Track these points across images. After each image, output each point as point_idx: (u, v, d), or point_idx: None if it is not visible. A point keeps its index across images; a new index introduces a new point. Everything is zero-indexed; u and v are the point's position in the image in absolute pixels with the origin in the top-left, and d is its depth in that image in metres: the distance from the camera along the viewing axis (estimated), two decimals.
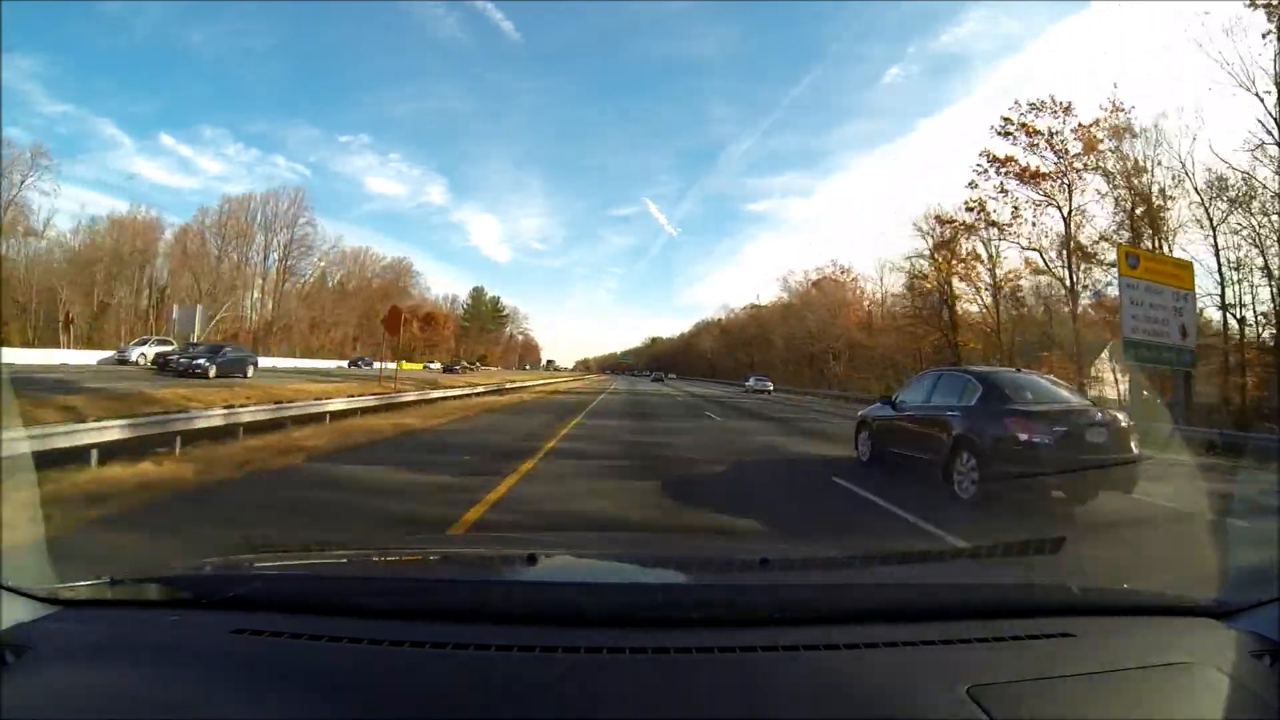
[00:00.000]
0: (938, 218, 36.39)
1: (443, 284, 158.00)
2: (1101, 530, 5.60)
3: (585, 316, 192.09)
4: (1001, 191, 31.20)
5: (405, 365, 58.51)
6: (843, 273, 62.02)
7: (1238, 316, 24.07)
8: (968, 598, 1.28)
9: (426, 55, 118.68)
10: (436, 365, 65.96)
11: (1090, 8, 74.85)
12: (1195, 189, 24.19)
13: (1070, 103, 29.08)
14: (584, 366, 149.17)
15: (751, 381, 45.46)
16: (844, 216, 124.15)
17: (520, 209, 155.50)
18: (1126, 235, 26.25)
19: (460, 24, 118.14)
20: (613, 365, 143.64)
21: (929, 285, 38.01)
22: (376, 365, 55.55)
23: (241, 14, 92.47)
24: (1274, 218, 21.95)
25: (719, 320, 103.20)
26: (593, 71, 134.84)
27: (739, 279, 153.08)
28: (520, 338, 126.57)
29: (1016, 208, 30.85)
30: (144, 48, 78.62)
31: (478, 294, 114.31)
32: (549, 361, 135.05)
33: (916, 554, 1.92)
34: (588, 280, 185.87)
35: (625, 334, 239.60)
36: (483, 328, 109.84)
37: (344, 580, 1.34)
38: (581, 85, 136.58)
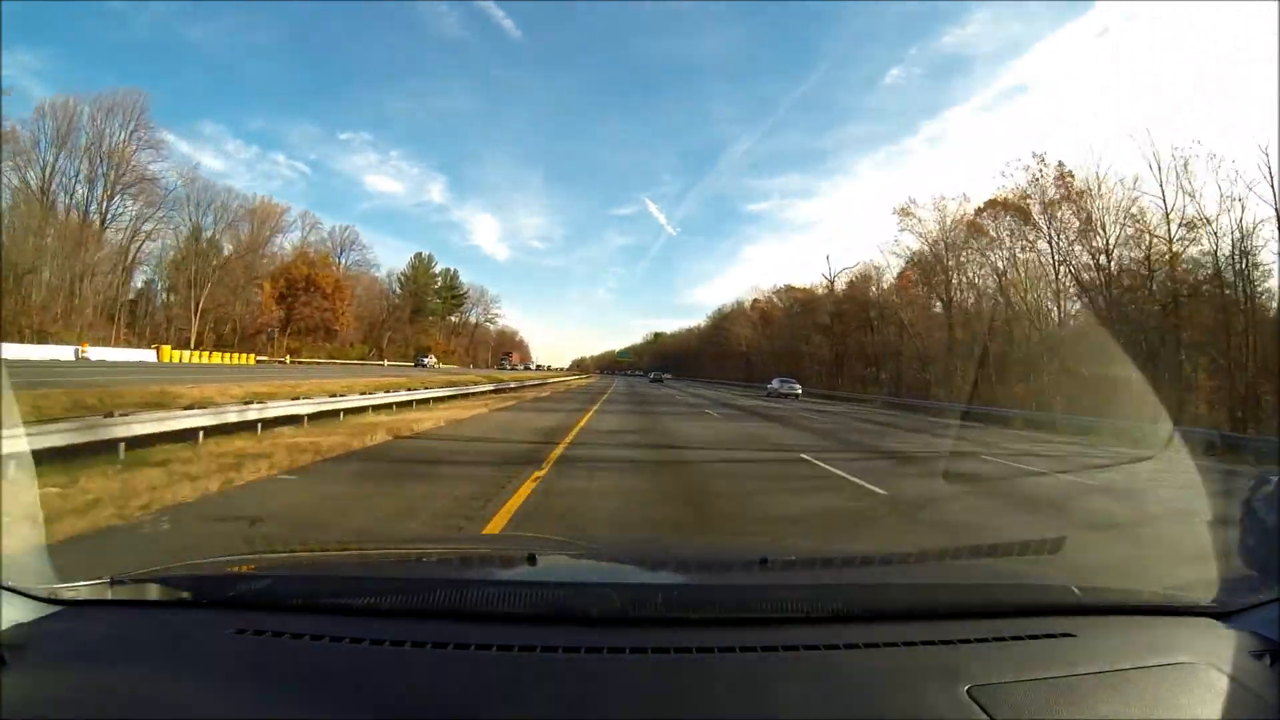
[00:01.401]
0: None
1: None
2: None
3: (585, 316, 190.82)
4: None
5: (226, 358, 42.25)
6: (1061, 180, 29.24)
7: None
8: (968, 598, 1.29)
9: (428, 53, 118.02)
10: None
11: (1095, 7, 73.99)
12: None
13: None
14: (579, 367, 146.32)
15: (775, 384, 38.07)
16: (845, 218, 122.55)
17: (520, 208, 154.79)
18: None
19: (461, 22, 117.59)
20: (610, 364, 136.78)
21: None
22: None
23: (242, 11, 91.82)
24: None
25: (758, 303, 74.72)
26: (594, 71, 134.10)
27: (740, 280, 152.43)
28: (489, 326, 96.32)
29: None
30: (144, 43, 78.10)
31: (420, 264, 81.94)
32: (505, 355, 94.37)
33: (916, 554, 1.92)
34: (587, 280, 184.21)
35: (625, 334, 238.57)
36: (419, 308, 79.49)
37: (345, 580, 1.34)
38: (582, 84, 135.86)
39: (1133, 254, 27.10)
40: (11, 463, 4.87)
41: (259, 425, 9.77)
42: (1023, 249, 32.56)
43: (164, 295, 50.45)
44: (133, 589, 1.18)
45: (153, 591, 1.19)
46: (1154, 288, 25.76)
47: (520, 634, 1.00)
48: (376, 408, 14.68)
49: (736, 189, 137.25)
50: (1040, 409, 25.51)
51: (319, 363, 52.54)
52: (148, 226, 46.11)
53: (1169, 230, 25.30)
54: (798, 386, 37.62)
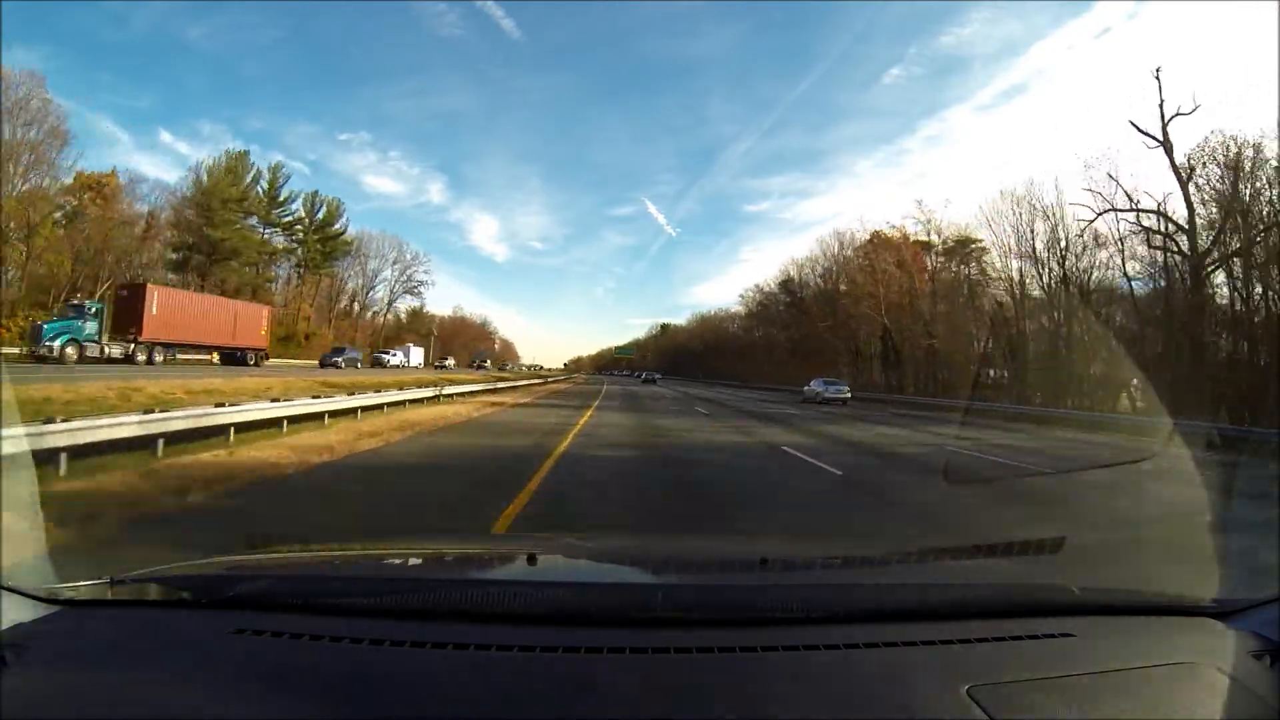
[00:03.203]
0: None
1: (441, 282, 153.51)
2: None
3: (583, 315, 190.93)
4: None
5: None
6: None
7: None
8: (968, 597, 1.29)
9: (427, 53, 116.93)
10: None
11: (1095, 7, 73.74)
12: None
13: None
14: (575, 366, 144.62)
15: (817, 385, 30.39)
16: (844, 218, 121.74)
17: (519, 208, 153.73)
18: None
19: (461, 21, 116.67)
20: (609, 364, 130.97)
21: None
22: None
23: (242, 10, 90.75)
24: None
25: (877, 237, 40.64)
26: (593, 70, 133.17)
27: (739, 280, 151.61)
28: (414, 302, 59.96)
29: None
30: (143, 43, 77.17)
31: (228, 165, 46.02)
32: (327, 344, 45.81)
33: (916, 554, 1.92)
34: (586, 280, 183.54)
35: (624, 333, 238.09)
36: (212, 248, 43.54)
37: (345, 580, 1.34)
38: (582, 84, 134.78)
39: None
40: (11, 462, 4.86)
41: None
42: None
43: None
44: (133, 589, 1.18)
45: (153, 591, 1.19)
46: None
47: (520, 634, 1.00)
48: None
49: (736, 189, 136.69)
50: None
51: None
52: None
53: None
54: (846, 389, 30.08)
